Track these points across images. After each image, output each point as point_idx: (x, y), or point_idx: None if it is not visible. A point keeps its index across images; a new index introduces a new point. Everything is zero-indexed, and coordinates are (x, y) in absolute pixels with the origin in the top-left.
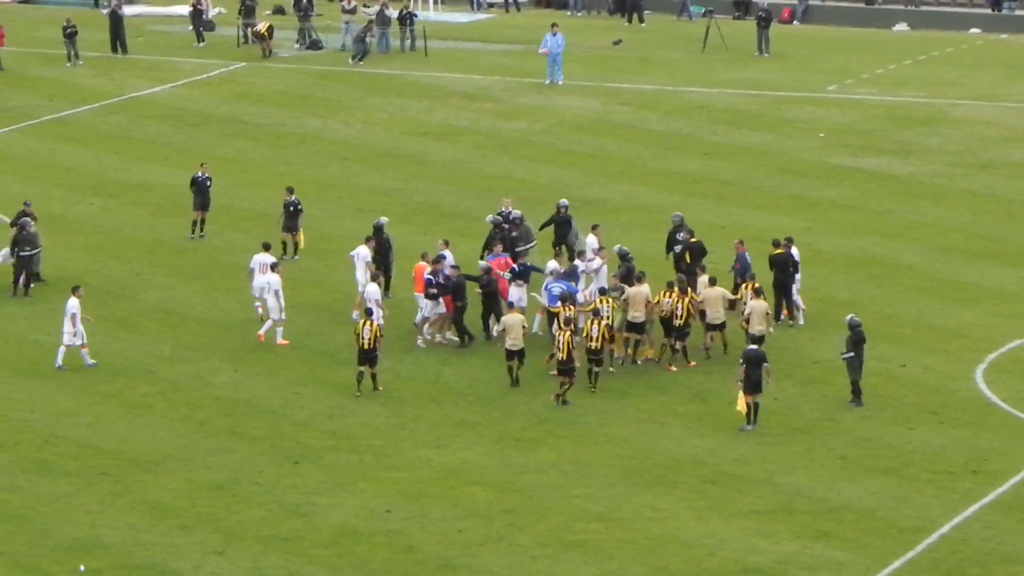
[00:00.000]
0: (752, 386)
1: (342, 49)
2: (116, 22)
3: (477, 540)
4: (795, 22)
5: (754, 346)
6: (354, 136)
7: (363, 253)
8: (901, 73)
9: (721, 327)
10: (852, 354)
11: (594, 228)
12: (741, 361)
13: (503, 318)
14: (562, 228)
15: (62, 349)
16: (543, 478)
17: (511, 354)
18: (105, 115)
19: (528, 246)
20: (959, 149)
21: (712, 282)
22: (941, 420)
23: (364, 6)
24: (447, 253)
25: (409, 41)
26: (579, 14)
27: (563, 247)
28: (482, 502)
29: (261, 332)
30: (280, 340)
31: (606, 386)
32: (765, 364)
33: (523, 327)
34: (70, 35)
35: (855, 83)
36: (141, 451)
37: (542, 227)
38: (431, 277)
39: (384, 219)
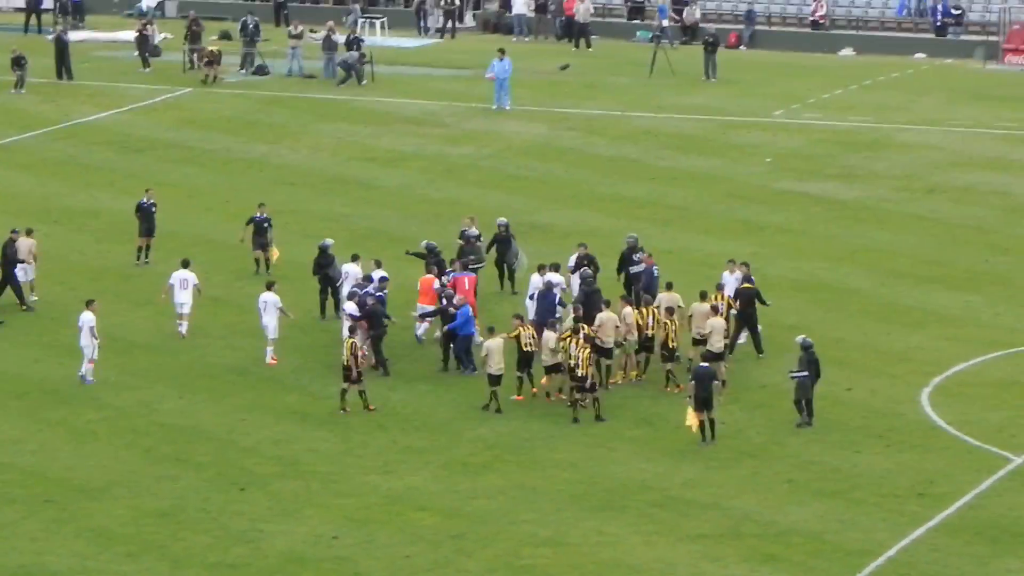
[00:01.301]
0: (702, 403)
1: (288, 75)
2: (62, 48)
3: (425, 566)
4: (742, 47)
5: (705, 364)
6: (301, 161)
7: (353, 271)
8: (847, 98)
9: (721, 356)
10: (806, 373)
11: (580, 247)
12: (691, 378)
13: (486, 343)
14: (502, 247)
15: (88, 365)
16: (491, 503)
17: (495, 379)
18: (50, 141)
19: (479, 266)
20: (905, 174)
21: (702, 296)
22: (888, 443)
23: (311, 31)
24: (376, 275)
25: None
26: (526, 39)
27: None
28: (429, 528)
29: (270, 359)
30: (270, 359)
31: (553, 411)
32: (716, 381)
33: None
34: (21, 64)
35: (801, 108)
36: (86, 478)
37: (488, 248)
38: (356, 290)
39: (329, 241)
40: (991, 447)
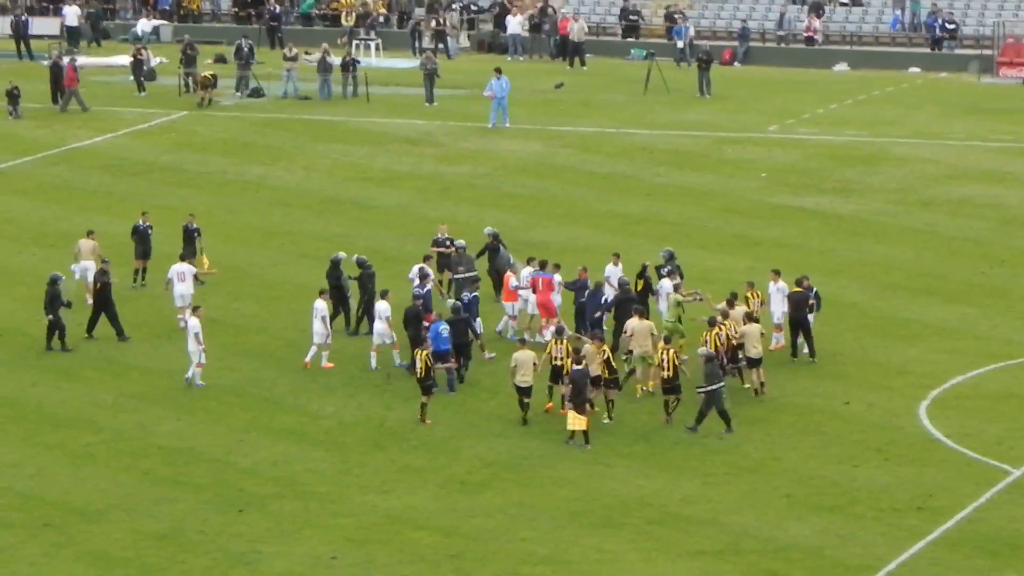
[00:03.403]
0: (581, 406)
1: (283, 97)
2: (57, 73)
3: None
4: (736, 63)
5: (578, 367)
6: (296, 183)
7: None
8: (842, 112)
9: (759, 362)
10: (714, 387)
11: (615, 257)
12: (568, 381)
13: (515, 354)
14: (492, 255)
15: (196, 369)
16: (489, 522)
17: (522, 390)
18: (47, 166)
19: (469, 274)
20: (900, 187)
21: (731, 303)
22: (886, 457)
23: (306, 54)
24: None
25: (351, 87)
26: (521, 58)
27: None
28: (428, 547)
29: (307, 359)
30: (325, 363)
31: (551, 428)
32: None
33: (534, 363)
34: (13, 97)
35: (796, 123)
36: (85, 501)
37: (477, 255)
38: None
39: (342, 254)
40: (990, 460)
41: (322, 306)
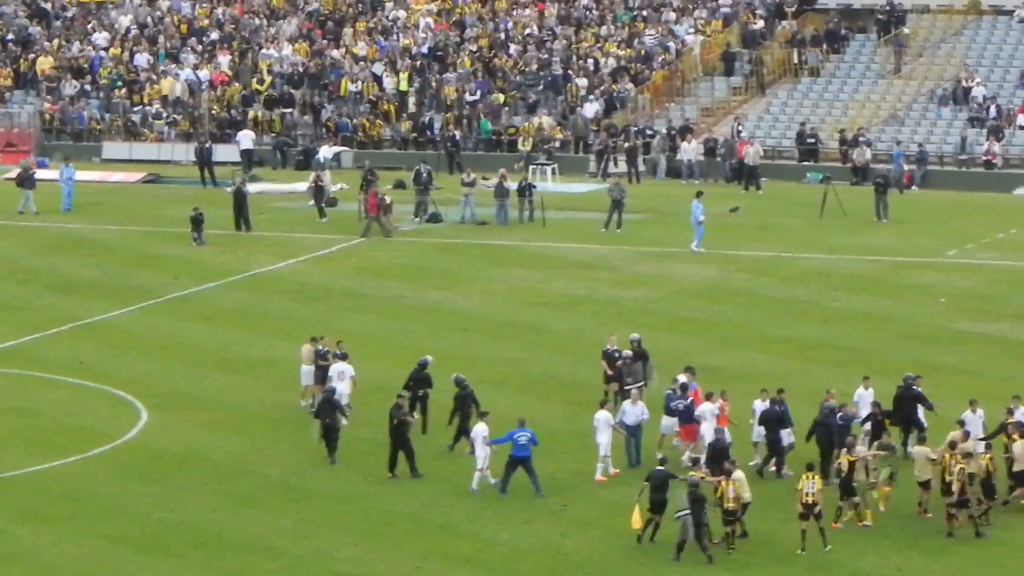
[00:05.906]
0: (656, 505)
1: (461, 222)
2: (240, 200)
3: None
4: (914, 187)
5: (661, 467)
6: (473, 307)
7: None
8: (1023, 237)
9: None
10: (688, 511)
11: (865, 380)
12: (646, 479)
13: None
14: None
15: (477, 474)
16: None
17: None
18: (229, 291)
19: (639, 385)
20: None
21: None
22: None
23: (483, 179)
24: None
25: (528, 212)
26: (696, 182)
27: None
28: None
29: (599, 476)
30: (600, 476)
31: (727, 558)
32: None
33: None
34: (198, 223)
35: (975, 248)
36: None
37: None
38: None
39: (429, 358)
40: None
41: (606, 416)
